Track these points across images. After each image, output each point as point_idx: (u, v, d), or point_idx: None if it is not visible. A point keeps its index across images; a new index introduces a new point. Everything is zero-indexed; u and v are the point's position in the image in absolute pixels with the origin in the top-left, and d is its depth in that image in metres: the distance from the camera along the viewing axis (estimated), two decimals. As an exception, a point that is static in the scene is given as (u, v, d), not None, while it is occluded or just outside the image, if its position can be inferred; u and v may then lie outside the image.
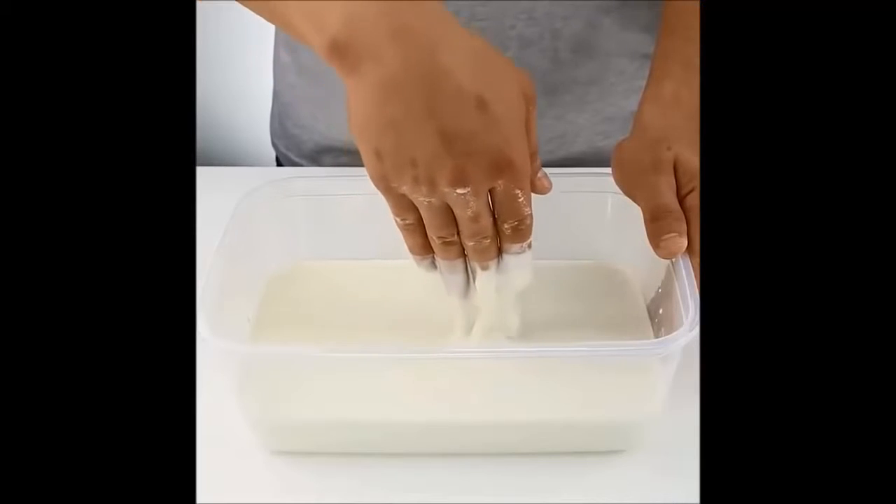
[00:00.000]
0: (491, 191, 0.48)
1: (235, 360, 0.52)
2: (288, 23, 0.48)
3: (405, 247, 0.53)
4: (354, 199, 0.62)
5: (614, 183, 0.58)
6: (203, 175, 0.52)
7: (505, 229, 0.50)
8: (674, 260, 0.53)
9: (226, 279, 0.53)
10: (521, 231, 0.50)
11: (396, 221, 0.51)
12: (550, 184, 0.52)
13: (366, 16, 0.44)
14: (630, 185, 0.56)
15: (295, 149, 0.85)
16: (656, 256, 0.53)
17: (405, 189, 0.47)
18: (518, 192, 0.48)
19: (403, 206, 0.49)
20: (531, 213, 0.50)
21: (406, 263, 0.63)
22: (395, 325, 0.60)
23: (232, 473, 0.53)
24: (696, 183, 0.54)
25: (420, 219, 0.50)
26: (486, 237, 0.50)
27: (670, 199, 0.54)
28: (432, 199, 0.48)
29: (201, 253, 0.47)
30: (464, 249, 0.52)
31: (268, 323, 0.60)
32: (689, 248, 0.52)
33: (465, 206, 0.48)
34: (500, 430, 0.53)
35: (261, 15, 0.52)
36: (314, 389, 0.52)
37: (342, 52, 0.44)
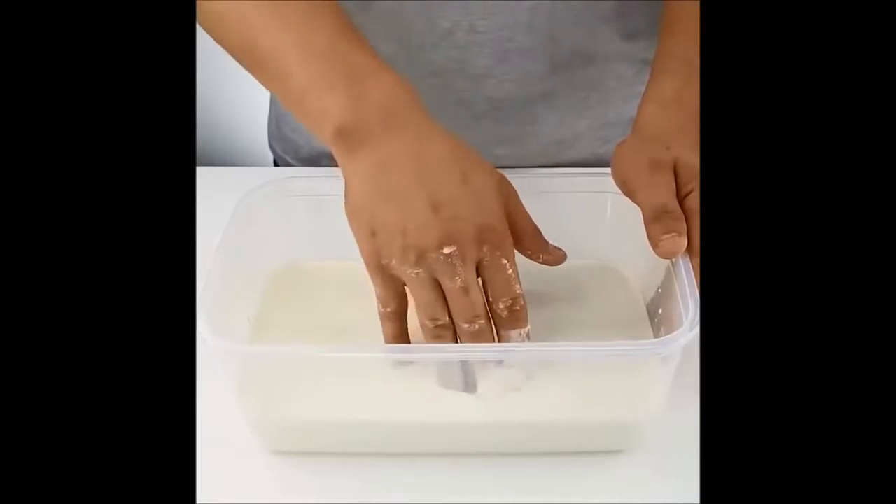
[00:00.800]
0: (479, 268, 0.50)
1: (235, 360, 0.52)
2: (303, 109, 0.54)
3: None
4: (354, 199, 0.62)
5: (614, 183, 0.58)
6: (203, 175, 0.52)
7: (500, 311, 0.51)
8: (674, 260, 0.53)
9: (226, 279, 0.53)
10: (517, 312, 0.51)
11: (380, 311, 0.53)
12: (565, 254, 0.55)
13: (366, 108, 0.51)
14: (630, 185, 0.56)
15: (292, 152, 0.84)
16: (656, 256, 0.53)
17: (395, 262, 0.50)
18: (505, 261, 0.50)
19: (390, 290, 0.52)
20: (523, 295, 0.51)
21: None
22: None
23: (232, 473, 0.53)
24: (696, 183, 0.54)
25: (402, 308, 0.52)
26: (478, 315, 0.50)
27: (670, 199, 0.54)
28: (420, 270, 0.49)
29: (201, 253, 0.47)
30: (458, 339, 0.51)
31: (268, 323, 0.60)
32: (689, 248, 0.52)
33: (453, 274, 0.49)
34: (500, 430, 0.53)
35: (277, 94, 0.57)
36: (314, 389, 0.52)
37: (346, 137, 0.52)
